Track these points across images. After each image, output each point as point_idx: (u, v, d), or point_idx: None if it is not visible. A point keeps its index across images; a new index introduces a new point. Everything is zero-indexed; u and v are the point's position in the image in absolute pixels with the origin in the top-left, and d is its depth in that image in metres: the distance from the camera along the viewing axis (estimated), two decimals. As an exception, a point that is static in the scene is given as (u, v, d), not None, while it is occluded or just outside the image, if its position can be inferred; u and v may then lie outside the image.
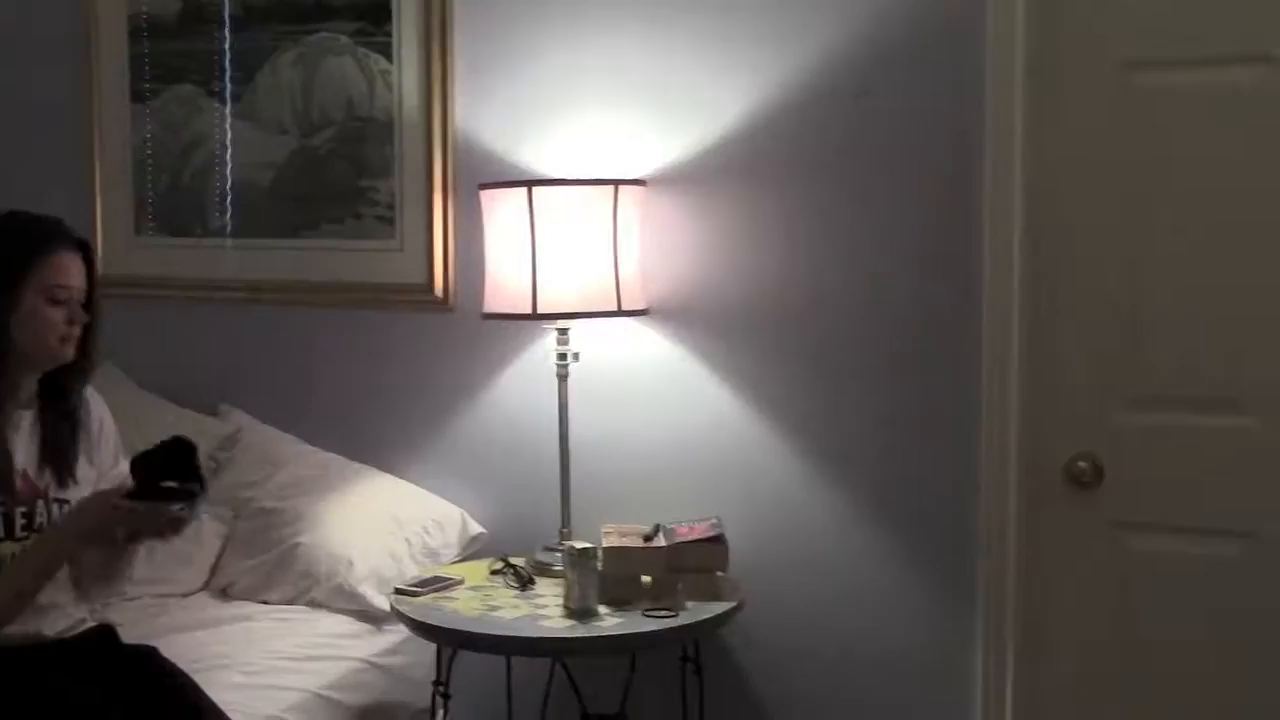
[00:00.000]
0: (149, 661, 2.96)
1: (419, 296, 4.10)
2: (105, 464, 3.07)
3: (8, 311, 2.80)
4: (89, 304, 2.93)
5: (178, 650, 3.17)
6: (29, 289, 2.82)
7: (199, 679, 3.00)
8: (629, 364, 3.84)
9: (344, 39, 4.19)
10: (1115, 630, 3.38)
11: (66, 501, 2.91)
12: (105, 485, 3.01)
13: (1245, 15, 3.19)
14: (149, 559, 3.52)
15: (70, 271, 2.88)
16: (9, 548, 2.80)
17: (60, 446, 2.94)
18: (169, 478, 2.76)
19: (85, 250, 2.94)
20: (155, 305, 4.49)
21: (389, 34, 4.11)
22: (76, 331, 2.89)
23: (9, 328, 2.80)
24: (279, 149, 4.32)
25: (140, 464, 2.77)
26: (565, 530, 3.71)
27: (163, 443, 2.79)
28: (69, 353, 2.88)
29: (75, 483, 2.95)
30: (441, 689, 3.51)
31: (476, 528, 3.96)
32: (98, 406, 3.09)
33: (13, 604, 2.80)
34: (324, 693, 3.40)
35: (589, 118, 3.86)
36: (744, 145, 3.69)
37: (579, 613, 3.33)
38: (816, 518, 3.68)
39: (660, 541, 3.49)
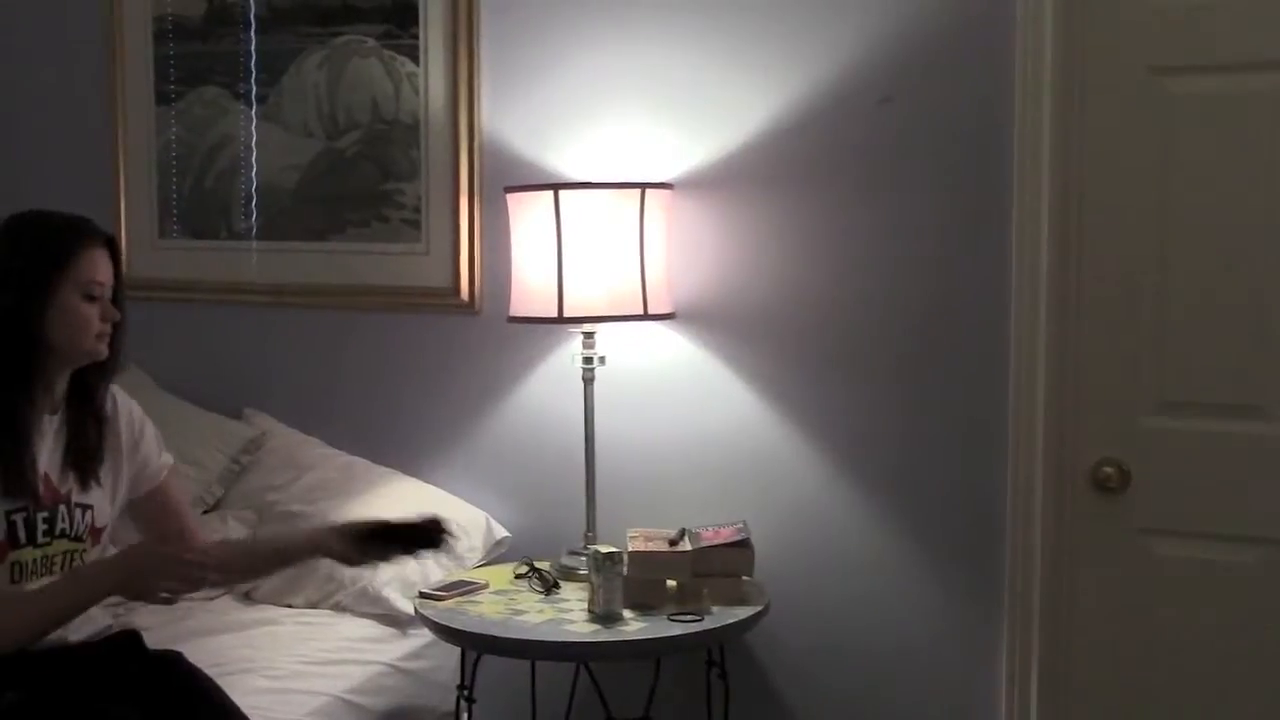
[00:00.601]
0: (174, 666, 2.95)
1: (445, 300, 4.10)
2: (149, 456, 3.09)
3: (43, 310, 2.76)
4: (115, 300, 2.91)
5: (202, 654, 3.16)
6: (64, 287, 2.78)
7: (223, 683, 2.99)
8: (655, 368, 3.84)
9: (370, 41, 4.19)
10: (1139, 634, 3.37)
11: (89, 506, 2.90)
12: (149, 475, 3.07)
13: (1272, 20, 3.18)
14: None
15: (101, 267, 2.86)
16: (30, 554, 2.79)
17: (85, 449, 2.91)
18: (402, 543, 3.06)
19: (112, 246, 2.92)
20: (179, 308, 4.50)
21: (415, 37, 4.11)
22: (109, 328, 2.86)
23: (44, 327, 2.76)
24: (304, 151, 4.32)
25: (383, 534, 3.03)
26: (590, 534, 3.71)
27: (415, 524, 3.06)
28: (104, 350, 2.86)
29: (98, 485, 2.93)
30: (466, 693, 3.51)
31: (501, 531, 3.96)
32: (125, 403, 3.07)
33: (35, 635, 2.75)
34: (348, 697, 3.40)
35: (615, 122, 3.86)
36: (769, 150, 3.69)
37: (604, 617, 3.33)
38: (841, 521, 3.67)
39: (685, 545, 3.49)
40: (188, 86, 4.52)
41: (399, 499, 3.93)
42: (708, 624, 3.32)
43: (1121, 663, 3.39)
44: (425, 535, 3.04)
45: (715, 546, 3.46)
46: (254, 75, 4.41)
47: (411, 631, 3.68)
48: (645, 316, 3.63)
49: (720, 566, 3.45)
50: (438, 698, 3.69)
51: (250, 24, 4.41)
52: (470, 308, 4.08)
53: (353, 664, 3.52)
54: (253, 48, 4.40)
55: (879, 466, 3.64)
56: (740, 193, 3.74)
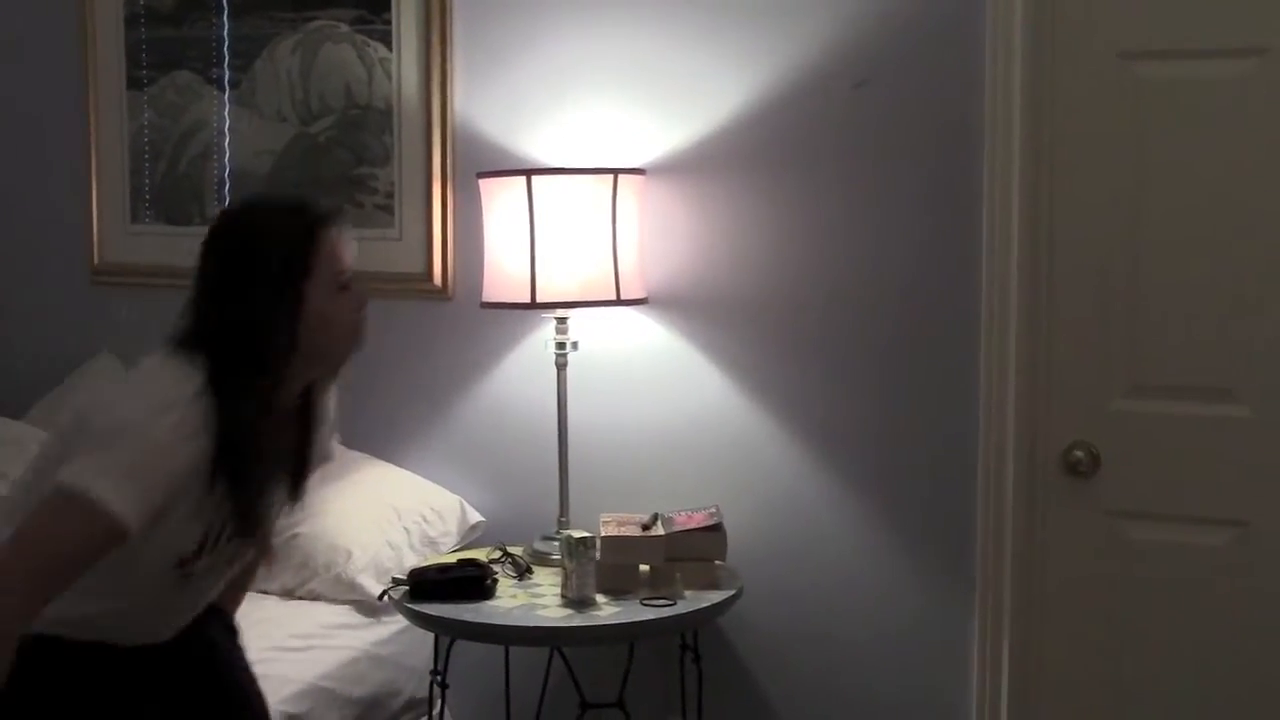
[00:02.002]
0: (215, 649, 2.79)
1: (418, 285, 4.10)
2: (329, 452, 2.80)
3: (297, 315, 2.39)
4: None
5: None
6: (316, 288, 2.41)
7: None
8: (628, 353, 3.84)
9: (343, 27, 4.18)
10: (1111, 616, 3.39)
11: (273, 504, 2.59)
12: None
13: (1243, 7, 3.20)
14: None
15: (342, 249, 2.47)
16: (205, 562, 2.49)
17: (305, 458, 2.61)
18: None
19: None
20: (152, 293, 4.45)
21: (388, 22, 4.10)
22: (364, 318, 2.52)
23: (298, 337, 2.39)
24: (278, 137, 4.31)
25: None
26: (563, 519, 3.71)
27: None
28: (361, 345, 2.55)
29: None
30: (439, 678, 3.52)
31: (476, 516, 3.96)
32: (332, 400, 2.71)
33: None
34: (322, 682, 3.40)
35: (588, 107, 3.86)
36: (743, 135, 3.69)
37: (577, 602, 3.34)
38: (814, 506, 3.68)
39: (658, 530, 3.49)
40: (160, 71, 4.50)
41: (373, 484, 3.94)
42: (681, 608, 3.33)
43: (1092, 645, 3.41)
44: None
45: (688, 531, 3.47)
46: (227, 60, 4.40)
47: (386, 617, 3.69)
48: (618, 302, 3.63)
49: (693, 551, 3.45)
50: (413, 683, 3.70)
51: (223, 9, 4.39)
52: (443, 293, 4.08)
53: (327, 649, 3.52)
54: (225, 33, 4.39)
55: (851, 450, 3.65)
56: (713, 178, 3.74)
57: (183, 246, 4.37)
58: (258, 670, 3.29)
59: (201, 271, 2.46)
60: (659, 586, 3.41)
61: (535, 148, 3.91)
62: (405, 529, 3.84)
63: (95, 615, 2.43)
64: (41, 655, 2.35)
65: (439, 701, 3.55)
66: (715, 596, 3.41)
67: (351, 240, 2.51)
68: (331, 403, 2.68)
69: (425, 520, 3.87)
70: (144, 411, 2.29)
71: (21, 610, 2.22)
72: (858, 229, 3.60)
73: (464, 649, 3.54)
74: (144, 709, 2.54)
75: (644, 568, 3.47)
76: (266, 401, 2.39)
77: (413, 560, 3.75)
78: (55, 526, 2.26)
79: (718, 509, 3.55)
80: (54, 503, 2.25)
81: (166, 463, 2.26)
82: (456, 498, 3.96)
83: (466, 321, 3.99)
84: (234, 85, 4.38)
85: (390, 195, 4.14)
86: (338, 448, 4.05)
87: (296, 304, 2.38)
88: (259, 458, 2.38)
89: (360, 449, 4.09)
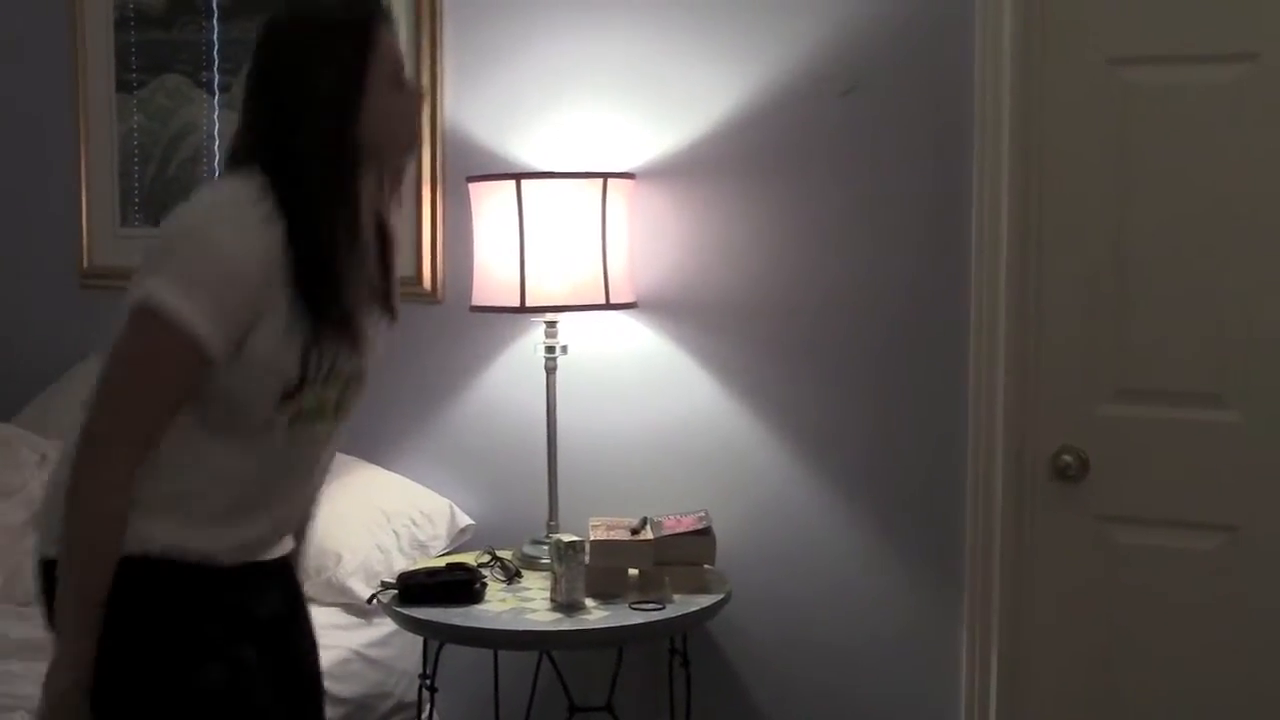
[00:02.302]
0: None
1: (407, 289, 4.02)
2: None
3: (357, 112, 2.30)
4: None
5: None
6: (376, 79, 2.32)
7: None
8: (617, 357, 3.84)
9: (332, 31, 4.18)
10: (1099, 620, 3.39)
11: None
12: None
13: (1232, 13, 3.20)
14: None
15: (396, 44, 2.38)
16: (312, 398, 2.35)
17: (389, 271, 2.53)
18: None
19: None
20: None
21: (377, 26, 4.10)
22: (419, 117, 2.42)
23: (362, 132, 2.30)
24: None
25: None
26: (552, 523, 3.71)
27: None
28: (417, 145, 2.48)
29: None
30: (428, 682, 3.52)
31: (465, 519, 3.96)
32: None
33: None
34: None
35: (578, 111, 3.86)
36: (733, 139, 3.70)
37: (566, 605, 3.33)
38: (803, 510, 3.69)
39: (647, 534, 3.49)
40: (150, 75, 4.51)
41: (362, 487, 3.93)
42: (669, 612, 3.33)
43: (1081, 649, 3.41)
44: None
45: (677, 535, 3.47)
46: (216, 64, 4.40)
47: (376, 620, 3.69)
48: (607, 306, 3.63)
49: (682, 555, 3.46)
50: (402, 686, 3.71)
51: (213, 12, 4.40)
52: (433, 297, 4.08)
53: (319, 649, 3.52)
54: (215, 36, 4.39)
55: (840, 454, 3.65)
56: (703, 182, 3.74)
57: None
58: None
59: (258, 77, 2.34)
60: (648, 590, 3.41)
61: (525, 152, 3.91)
62: (395, 532, 3.83)
63: (211, 506, 2.33)
64: (152, 579, 2.28)
65: (428, 705, 3.55)
66: (704, 600, 3.41)
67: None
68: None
69: (415, 524, 3.87)
70: (204, 215, 2.25)
71: (125, 457, 2.19)
72: (847, 233, 3.60)
73: (453, 653, 3.54)
74: (244, 649, 2.41)
75: (633, 572, 3.47)
76: (334, 200, 2.30)
77: (402, 564, 3.74)
78: (132, 351, 2.22)
79: (707, 513, 3.55)
80: (125, 330, 2.21)
81: (235, 265, 2.19)
82: (446, 501, 3.96)
83: (456, 325, 3.99)
84: (224, 89, 4.38)
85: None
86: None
87: (359, 98, 2.30)
88: (335, 252, 2.30)
89: (350, 452, 4.08)
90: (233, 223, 2.21)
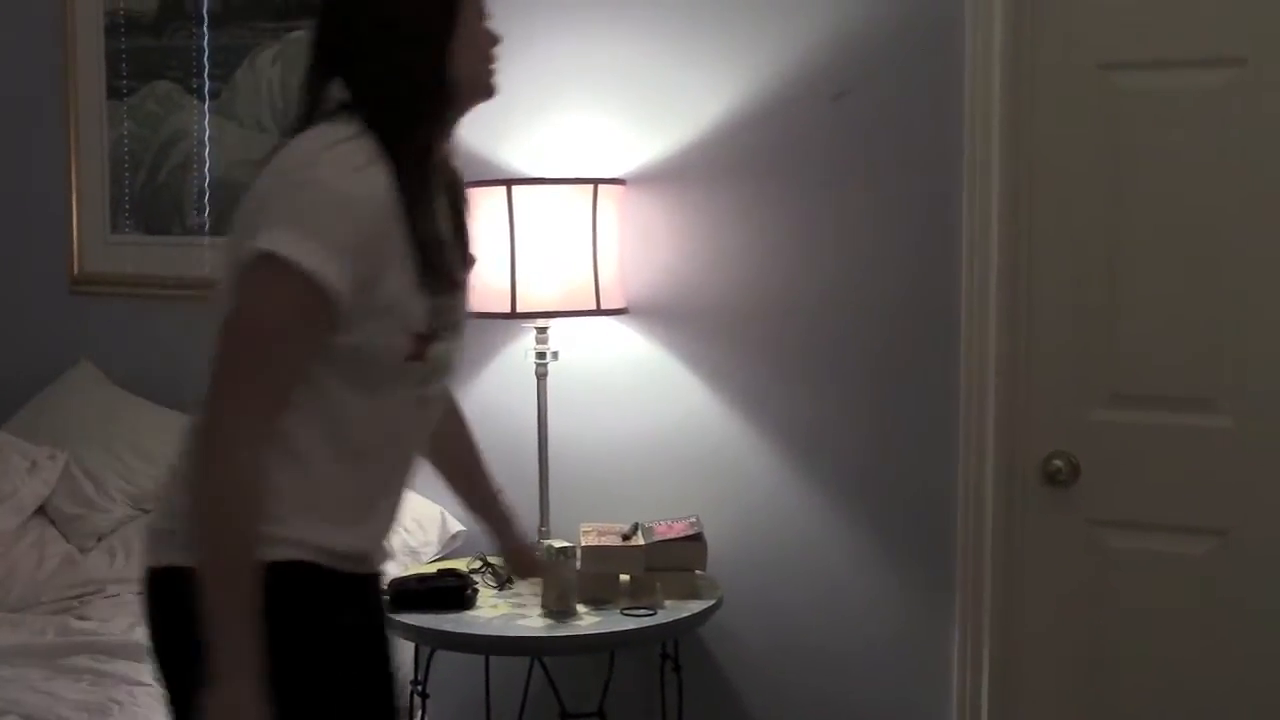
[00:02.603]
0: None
1: (398, 295, 4.09)
2: None
3: (449, 38, 2.16)
4: None
5: None
6: (466, 5, 2.18)
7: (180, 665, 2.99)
8: (608, 363, 3.84)
9: (323, 37, 4.18)
10: (1090, 625, 3.40)
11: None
12: None
13: (1221, 18, 3.21)
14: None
15: None
16: (439, 349, 2.23)
17: (465, 217, 2.39)
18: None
19: None
20: (132, 303, 4.48)
21: (368, 32, 4.10)
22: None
23: (452, 61, 2.16)
24: (258, 146, 4.30)
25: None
26: (543, 529, 3.71)
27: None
28: (494, 92, 2.29)
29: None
30: (420, 688, 3.52)
31: (456, 525, 3.95)
32: None
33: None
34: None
35: (568, 117, 3.86)
36: (723, 145, 3.70)
37: (557, 612, 3.33)
38: (794, 515, 3.69)
39: (639, 540, 3.49)
40: (141, 81, 4.50)
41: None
42: (661, 618, 3.33)
43: (1072, 654, 3.41)
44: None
45: (668, 540, 3.47)
46: (207, 70, 4.40)
47: (366, 626, 3.68)
48: (598, 312, 3.63)
49: (673, 560, 3.46)
50: (392, 693, 3.70)
51: (203, 19, 4.39)
52: (424, 303, 4.07)
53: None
54: (205, 43, 4.39)
55: (831, 460, 3.65)
56: (693, 188, 3.74)
57: (162, 256, 4.46)
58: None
59: (341, 8, 2.19)
60: (639, 596, 3.41)
61: (515, 157, 3.90)
62: (386, 539, 3.82)
63: (341, 493, 2.17)
64: (300, 584, 2.11)
65: (419, 711, 3.55)
66: (695, 606, 3.41)
67: None
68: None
69: (406, 530, 3.86)
70: (306, 159, 2.09)
71: (257, 434, 2.02)
72: (837, 239, 3.61)
73: (444, 659, 3.54)
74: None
75: (624, 577, 3.46)
76: (428, 144, 2.19)
77: (393, 570, 3.74)
78: (252, 314, 2.04)
79: (698, 519, 3.55)
80: (239, 295, 2.04)
81: (346, 203, 2.04)
82: (437, 507, 3.95)
83: (447, 331, 3.98)
84: (214, 95, 4.38)
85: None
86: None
87: (451, 27, 2.16)
88: (431, 202, 2.20)
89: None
90: (337, 164, 2.06)
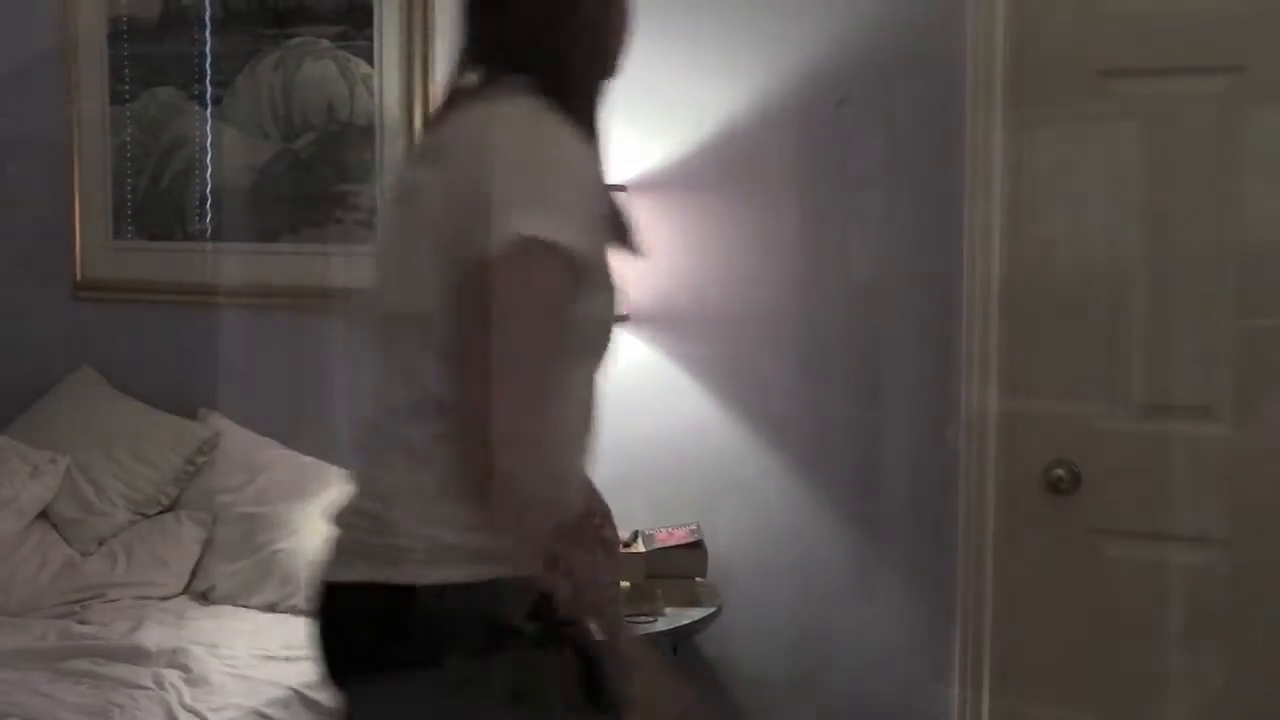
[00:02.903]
0: None
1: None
2: None
3: (608, 10, 2.07)
4: None
5: (157, 639, 3.29)
6: None
7: (178, 669, 2.99)
8: (609, 370, 3.83)
9: (325, 43, 4.18)
10: (1092, 635, 3.39)
11: None
12: None
13: (1220, 26, 3.21)
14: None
15: None
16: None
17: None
18: None
19: None
20: (134, 309, 4.48)
21: (370, 38, 4.11)
22: None
23: (610, 33, 2.08)
24: (259, 153, 4.31)
25: None
26: (544, 535, 3.70)
27: None
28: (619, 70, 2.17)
29: None
30: (420, 694, 3.51)
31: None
32: None
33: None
34: (305, 691, 3.38)
35: (570, 123, 3.86)
36: (725, 151, 3.70)
37: (558, 618, 3.33)
38: (795, 523, 3.68)
39: (639, 547, 3.49)
40: (142, 87, 4.50)
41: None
42: (661, 625, 3.33)
43: (1073, 662, 3.41)
44: None
45: (669, 548, 3.47)
46: (209, 76, 4.40)
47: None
48: (600, 318, 3.63)
49: (673, 568, 3.46)
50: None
51: (205, 25, 4.39)
52: (425, 309, 4.07)
53: (310, 660, 3.51)
54: (208, 49, 4.39)
55: (833, 468, 3.65)
56: (696, 195, 3.74)
57: (164, 262, 4.46)
58: (245, 673, 3.30)
59: None
60: (639, 603, 3.40)
61: (517, 164, 3.90)
62: (387, 544, 3.81)
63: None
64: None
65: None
66: (696, 613, 3.41)
67: None
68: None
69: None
70: (522, 137, 1.93)
71: (548, 431, 1.92)
72: (838, 246, 3.61)
73: (444, 665, 3.53)
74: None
75: (624, 585, 3.46)
76: (596, 116, 2.07)
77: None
78: (522, 309, 1.88)
79: (698, 526, 3.55)
80: (499, 292, 1.86)
81: (585, 178, 1.95)
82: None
83: (448, 338, 3.97)
84: (216, 101, 4.38)
85: (372, 211, 4.14)
86: (316, 463, 4.08)
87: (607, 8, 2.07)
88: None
89: (342, 464, 4.08)
90: (558, 139, 1.93)
